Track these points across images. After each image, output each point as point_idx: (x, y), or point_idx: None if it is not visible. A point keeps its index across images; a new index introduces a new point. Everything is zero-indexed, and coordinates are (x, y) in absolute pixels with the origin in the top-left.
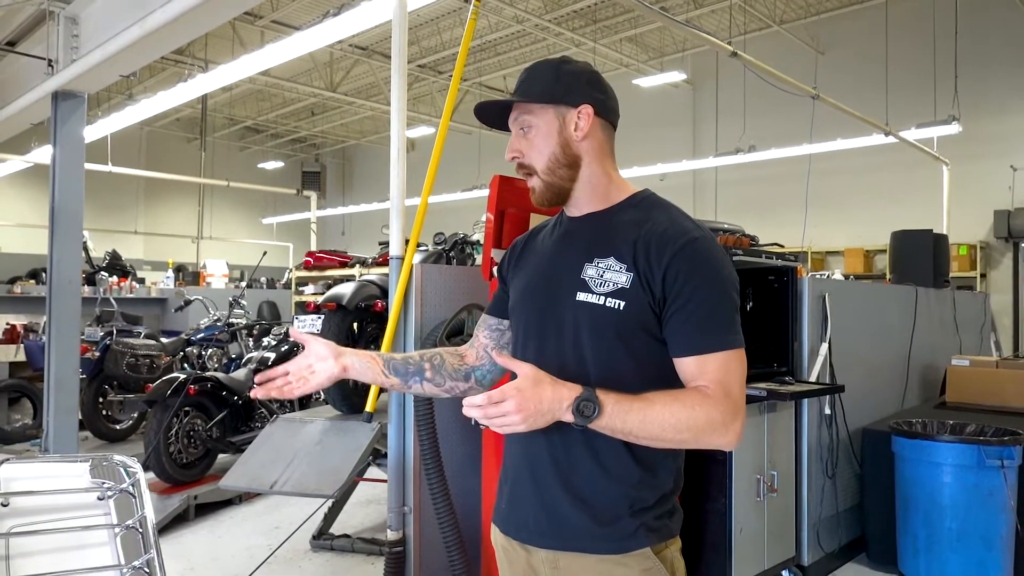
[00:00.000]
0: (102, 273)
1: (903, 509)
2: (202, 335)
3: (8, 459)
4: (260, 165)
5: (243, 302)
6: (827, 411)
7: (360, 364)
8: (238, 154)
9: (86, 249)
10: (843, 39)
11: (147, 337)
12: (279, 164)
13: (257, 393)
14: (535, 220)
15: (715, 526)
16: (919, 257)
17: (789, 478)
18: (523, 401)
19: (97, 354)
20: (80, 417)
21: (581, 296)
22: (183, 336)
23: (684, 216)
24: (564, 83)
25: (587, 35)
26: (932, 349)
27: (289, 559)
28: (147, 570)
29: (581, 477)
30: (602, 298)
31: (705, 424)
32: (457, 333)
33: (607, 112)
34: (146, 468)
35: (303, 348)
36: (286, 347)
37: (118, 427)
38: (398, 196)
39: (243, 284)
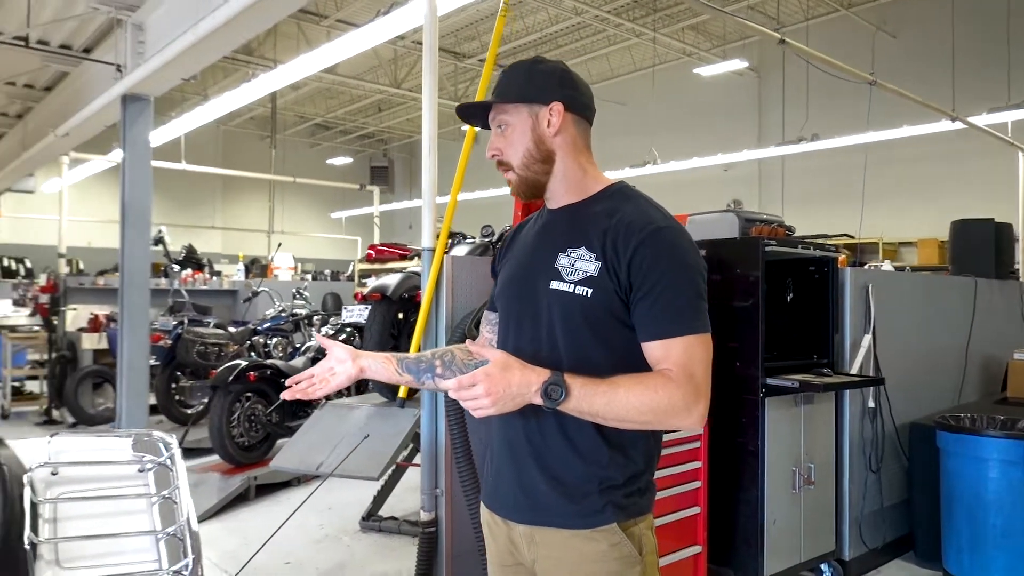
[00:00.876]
0: (174, 266)
1: (947, 506)
2: (267, 325)
3: (57, 433)
4: (329, 161)
5: (305, 293)
6: (871, 404)
7: (375, 365)
8: (308, 151)
9: (163, 243)
10: (912, 21)
11: (216, 327)
12: (348, 160)
13: (286, 395)
14: None
15: (747, 517)
16: (980, 247)
17: (828, 471)
18: (492, 385)
19: (169, 342)
20: (155, 402)
21: (554, 284)
22: (250, 326)
23: (653, 207)
24: (536, 83)
25: (647, 24)
26: (995, 342)
27: (338, 538)
28: (179, 536)
29: (554, 456)
30: (572, 286)
31: (667, 406)
32: (477, 325)
33: (579, 108)
34: (211, 451)
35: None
36: (343, 336)
37: (189, 411)
38: (429, 189)
39: (307, 276)
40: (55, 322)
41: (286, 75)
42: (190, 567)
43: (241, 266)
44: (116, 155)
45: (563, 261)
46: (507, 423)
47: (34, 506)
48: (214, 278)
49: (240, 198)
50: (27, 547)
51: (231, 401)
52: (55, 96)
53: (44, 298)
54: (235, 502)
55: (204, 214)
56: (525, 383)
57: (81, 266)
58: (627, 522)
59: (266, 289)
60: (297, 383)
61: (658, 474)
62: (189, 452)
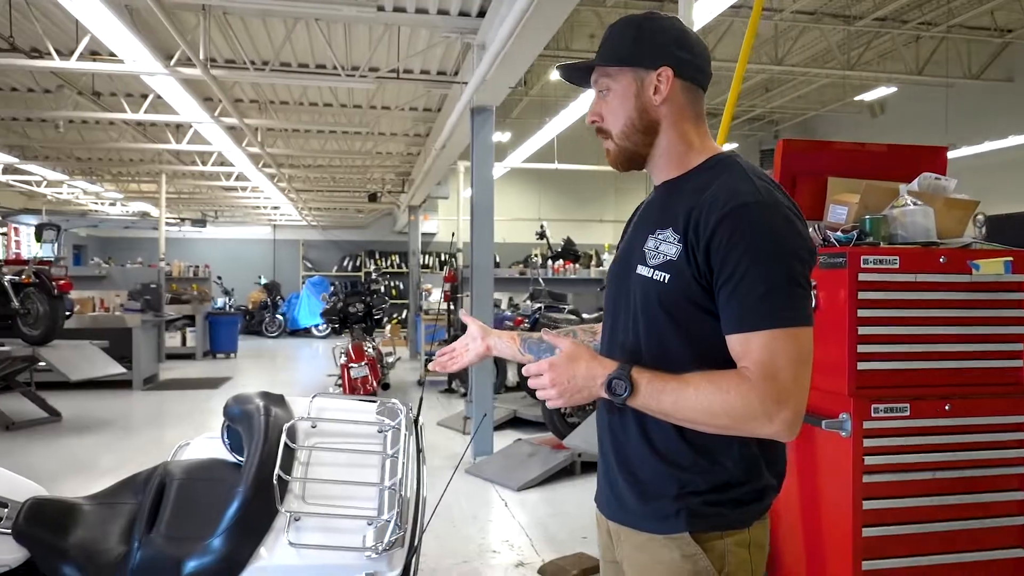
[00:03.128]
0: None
1: None
2: None
3: (318, 394)
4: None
5: None
6: None
7: (500, 344)
8: None
9: (545, 237)
10: None
11: (570, 312)
12: (733, 146)
13: (433, 366)
14: (837, 187)
15: None
16: None
17: None
18: (556, 375)
19: (527, 326)
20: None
21: (639, 269)
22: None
23: (748, 179)
24: (644, 43)
25: None
26: None
27: None
28: (395, 489)
29: (633, 453)
30: (651, 271)
31: (740, 410)
32: None
33: (692, 73)
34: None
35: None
36: None
37: None
38: None
39: None
40: (452, 307)
41: None
42: (394, 519)
43: (606, 255)
44: (510, 160)
45: (650, 243)
46: (600, 415)
47: (291, 450)
48: (583, 268)
49: (634, 191)
50: (274, 482)
51: None
52: (440, 116)
53: (447, 286)
54: (560, 475)
55: (596, 209)
56: (590, 376)
57: (498, 259)
58: (708, 533)
59: None
60: (442, 356)
61: None
62: (533, 425)
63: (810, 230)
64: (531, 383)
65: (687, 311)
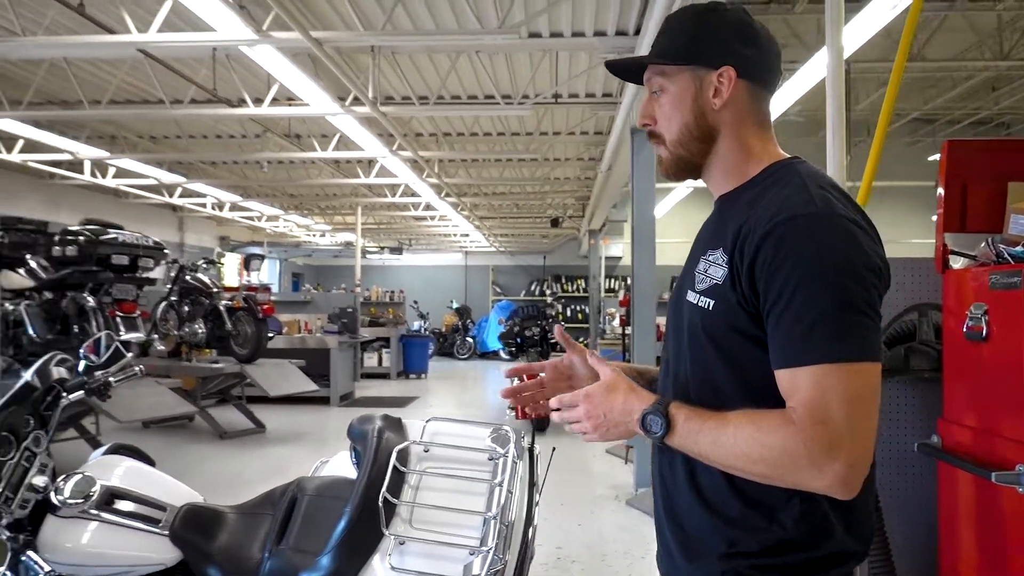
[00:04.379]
0: None
1: None
2: None
3: (432, 418)
4: (932, 158)
5: None
6: None
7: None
8: (905, 150)
9: None
10: None
11: None
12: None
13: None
14: (1020, 193)
15: None
16: None
17: None
18: (591, 408)
19: None
20: None
21: (688, 295)
22: None
23: (804, 188)
24: (705, 38)
25: None
26: None
27: None
28: (502, 521)
29: (681, 503)
30: (697, 296)
31: (781, 457)
32: (904, 338)
33: (758, 73)
34: None
35: None
36: None
37: None
38: (836, 177)
39: None
40: (627, 332)
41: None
42: (492, 552)
43: None
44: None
45: (700, 266)
46: (652, 457)
47: (400, 473)
48: None
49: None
50: (380, 504)
51: None
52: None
53: (622, 311)
54: None
55: None
56: (627, 410)
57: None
58: None
59: None
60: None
61: None
62: None
63: (982, 245)
64: (564, 415)
65: (734, 341)
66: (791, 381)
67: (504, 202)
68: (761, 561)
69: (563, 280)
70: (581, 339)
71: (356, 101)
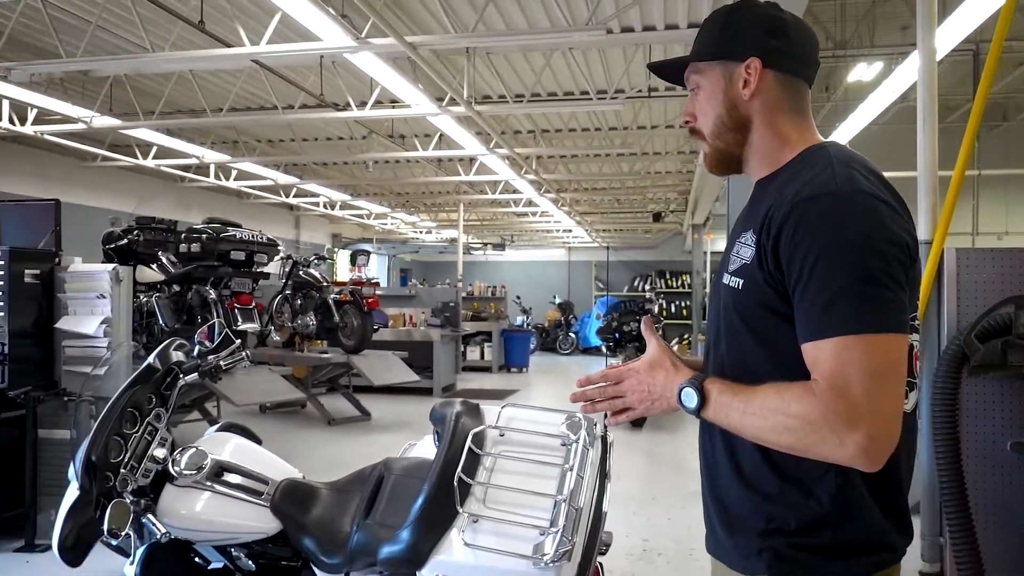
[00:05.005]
0: None
1: None
2: None
3: (508, 404)
4: None
5: None
6: None
7: None
8: None
9: None
10: None
11: None
12: None
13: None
14: None
15: None
16: None
17: None
18: (636, 383)
19: None
20: None
21: (724, 277)
22: None
23: (830, 167)
24: (731, 34)
25: None
26: None
27: None
28: (572, 504)
29: (721, 475)
30: (729, 277)
31: (803, 427)
32: (1000, 331)
33: (786, 62)
34: None
35: None
36: None
37: None
38: (927, 167)
39: None
40: None
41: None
42: (561, 531)
43: None
44: None
45: (734, 248)
46: (699, 437)
47: (475, 455)
48: None
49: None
50: (455, 484)
51: None
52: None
53: None
54: None
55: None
56: (669, 384)
57: None
58: None
59: None
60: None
61: None
62: None
63: None
64: (607, 389)
65: (764, 318)
66: (814, 354)
67: (604, 197)
68: (798, 540)
69: (667, 276)
70: (685, 335)
71: (453, 101)
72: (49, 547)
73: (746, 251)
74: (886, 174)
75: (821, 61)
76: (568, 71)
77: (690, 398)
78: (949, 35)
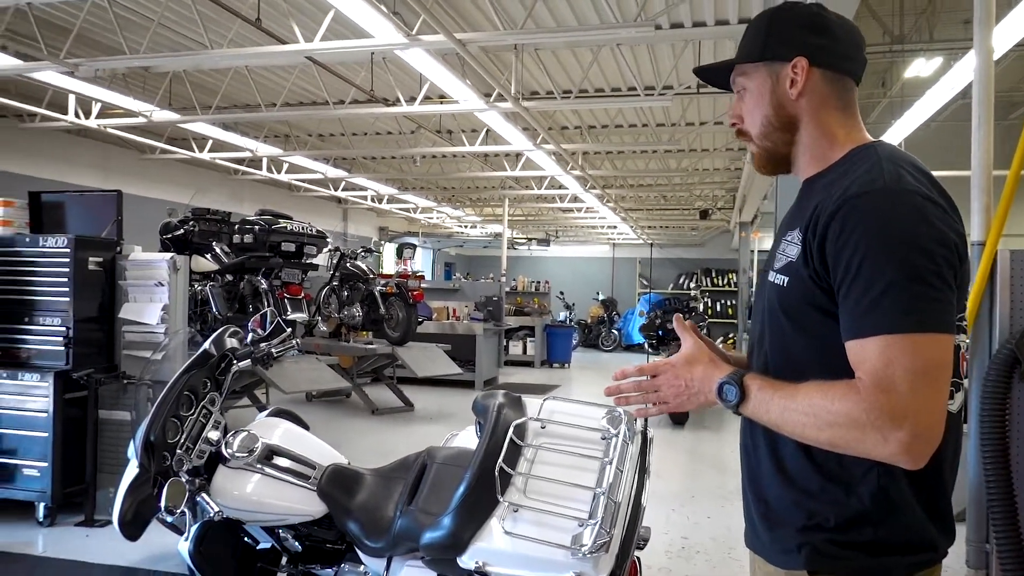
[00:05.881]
0: None
1: None
2: None
3: (549, 397)
4: None
5: None
6: None
7: None
8: None
9: None
10: None
11: None
12: None
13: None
14: None
15: None
16: None
17: None
18: (673, 378)
19: None
20: None
21: (769, 275)
22: None
23: (878, 166)
24: (775, 35)
25: None
26: None
27: None
28: (611, 497)
29: (763, 471)
30: (775, 274)
31: (847, 423)
32: None
33: (833, 60)
34: None
35: None
36: None
37: None
38: (981, 166)
39: None
40: None
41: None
42: (599, 522)
43: None
44: None
45: (780, 247)
46: (740, 433)
47: (517, 446)
48: None
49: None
50: (496, 473)
51: None
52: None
53: None
54: None
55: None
56: (707, 379)
57: None
58: None
59: None
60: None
61: None
62: None
63: None
64: (642, 383)
65: (809, 315)
66: (859, 352)
67: (651, 194)
68: (837, 536)
69: (713, 274)
70: (730, 335)
71: (500, 97)
72: (107, 522)
73: (792, 249)
74: (943, 173)
75: (877, 56)
76: (616, 67)
77: (730, 393)
78: (1013, 29)
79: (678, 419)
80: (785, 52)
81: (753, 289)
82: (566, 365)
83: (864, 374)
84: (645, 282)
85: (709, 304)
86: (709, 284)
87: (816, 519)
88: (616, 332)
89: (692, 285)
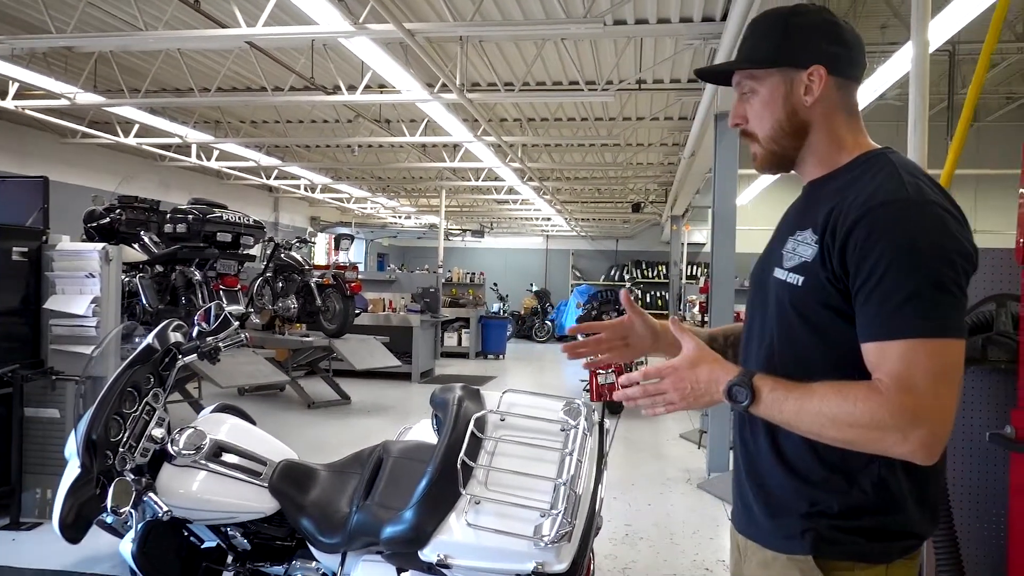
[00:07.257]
0: None
1: None
2: None
3: (508, 390)
4: None
5: None
6: None
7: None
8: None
9: None
10: None
11: None
12: None
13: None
14: None
15: None
16: None
17: None
18: (678, 380)
19: None
20: None
21: (776, 272)
22: None
23: (897, 176)
24: (793, 41)
25: None
26: None
27: None
28: (572, 487)
29: (762, 462)
30: (786, 273)
31: (869, 423)
32: (981, 328)
33: (845, 67)
34: None
35: None
36: None
37: None
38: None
39: None
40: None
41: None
42: (561, 513)
43: None
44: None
45: (788, 245)
46: (734, 425)
47: (477, 439)
48: None
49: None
50: (458, 466)
51: None
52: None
53: (702, 297)
54: None
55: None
56: (713, 381)
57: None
58: (837, 562)
59: None
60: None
61: None
62: None
63: None
64: (647, 387)
65: (822, 315)
66: (879, 354)
67: (586, 187)
68: (839, 523)
69: (643, 266)
70: None
71: (444, 88)
72: (35, 525)
73: (806, 250)
74: None
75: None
76: (559, 61)
77: (741, 395)
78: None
79: (614, 408)
80: (802, 59)
81: (745, 283)
82: (501, 356)
83: (885, 375)
84: (578, 273)
85: (639, 296)
86: (639, 276)
87: (819, 506)
88: (549, 323)
89: (627, 277)
